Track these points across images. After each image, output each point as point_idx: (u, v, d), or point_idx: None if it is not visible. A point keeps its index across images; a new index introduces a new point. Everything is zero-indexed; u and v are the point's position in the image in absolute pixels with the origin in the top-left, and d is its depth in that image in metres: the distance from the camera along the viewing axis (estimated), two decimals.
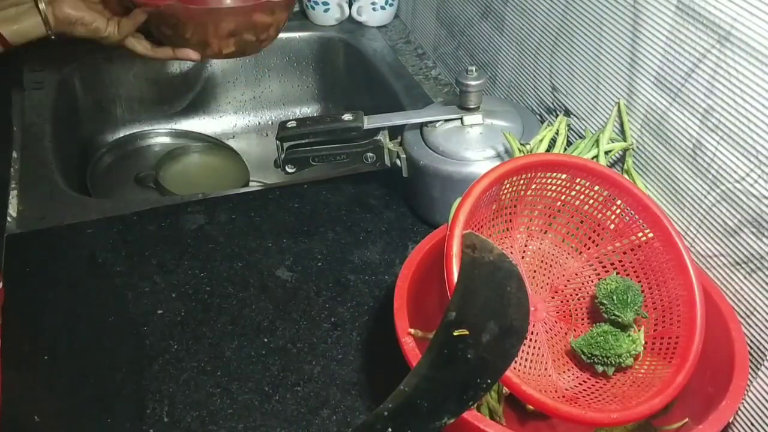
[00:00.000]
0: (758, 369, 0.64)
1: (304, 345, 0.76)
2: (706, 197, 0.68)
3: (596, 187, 0.67)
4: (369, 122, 0.88)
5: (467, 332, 0.50)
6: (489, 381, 0.50)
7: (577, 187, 0.67)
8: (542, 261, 0.70)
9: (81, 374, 0.71)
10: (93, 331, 0.76)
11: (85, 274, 0.83)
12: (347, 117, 0.88)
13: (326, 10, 1.34)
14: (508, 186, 0.64)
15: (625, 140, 0.77)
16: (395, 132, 0.90)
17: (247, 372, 0.73)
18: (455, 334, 0.50)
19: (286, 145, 0.88)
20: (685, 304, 0.64)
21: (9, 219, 0.89)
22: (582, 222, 0.69)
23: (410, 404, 0.49)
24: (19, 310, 0.77)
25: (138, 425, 0.67)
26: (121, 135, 1.29)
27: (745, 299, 0.65)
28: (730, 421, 0.58)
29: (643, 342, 0.64)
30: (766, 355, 0.63)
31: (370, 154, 0.90)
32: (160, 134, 1.29)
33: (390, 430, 0.47)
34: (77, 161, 1.18)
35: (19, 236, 0.87)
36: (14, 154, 1.00)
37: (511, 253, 0.66)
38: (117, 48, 0.96)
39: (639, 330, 0.65)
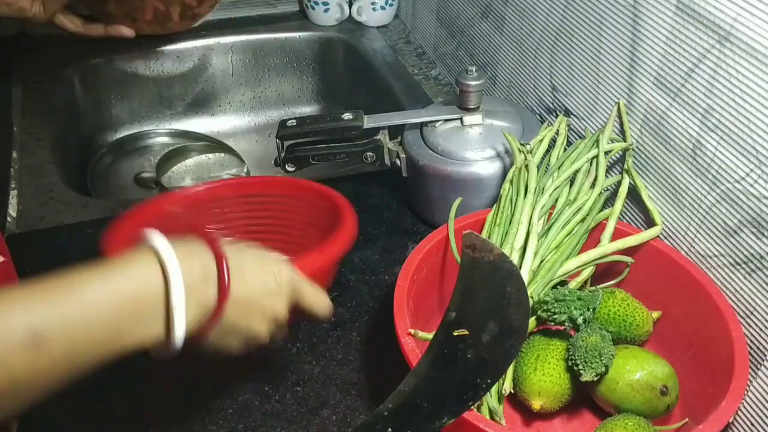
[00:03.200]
0: (758, 369, 0.64)
1: (304, 345, 0.76)
2: (706, 197, 0.68)
3: None
4: (369, 121, 0.88)
5: (467, 332, 0.50)
6: (489, 381, 0.50)
7: None
8: None
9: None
10: None
11: None
12: (347, 116, 0.88)
13: (326, 10, 1.34)
14: None
15: (625, 140, 0.77)
16: (395, 132, 0.90)
17: (247, 372, 0.73)
18: (455, 334, 0.50)
19: (286, 143, 0.88)
20: None
21: (9, 219, 0.89)
22: None
23: (410, 404, 0.49)
24: None
25: (138, 425, 0.67)
26: (121, 135, 1.29)
27: (745, 299, 0.65)
28: (730, 421, 0.58)
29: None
30: (766, 355, 0.63)
31: (369, 154, 0.90)
32: (160, 134, 1.29)
33: (390, 430, 0.47)
34: (77, 161, 1.18)
35: (19, 236, 0.87)
36: (14, 154, 1.00)
37: None
38: (47, 25, 0.88)
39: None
